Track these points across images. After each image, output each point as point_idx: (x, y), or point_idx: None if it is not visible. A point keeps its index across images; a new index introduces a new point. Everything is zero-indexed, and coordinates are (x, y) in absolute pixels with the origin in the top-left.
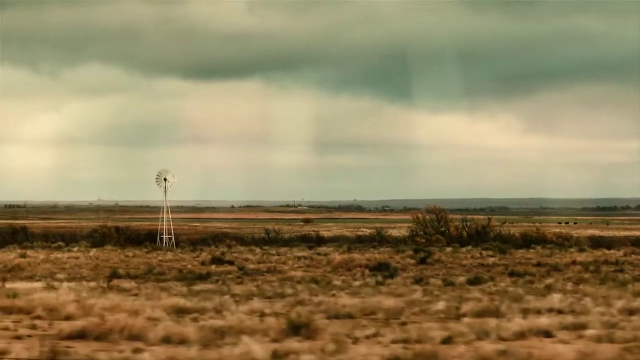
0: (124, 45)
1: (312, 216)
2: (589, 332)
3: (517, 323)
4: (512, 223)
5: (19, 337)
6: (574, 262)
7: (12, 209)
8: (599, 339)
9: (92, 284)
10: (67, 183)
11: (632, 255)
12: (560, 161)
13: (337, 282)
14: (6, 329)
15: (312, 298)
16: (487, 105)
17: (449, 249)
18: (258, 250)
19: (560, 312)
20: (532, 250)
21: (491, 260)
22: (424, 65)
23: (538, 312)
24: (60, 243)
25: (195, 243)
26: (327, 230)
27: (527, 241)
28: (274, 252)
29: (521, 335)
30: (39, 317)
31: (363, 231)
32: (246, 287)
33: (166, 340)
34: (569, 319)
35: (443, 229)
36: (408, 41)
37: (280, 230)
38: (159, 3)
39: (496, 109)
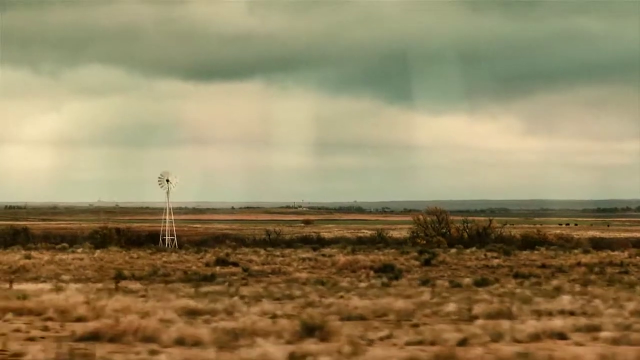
0: (124, 46)
1: (312, 217)
2: (604, 334)
3: (531, 325)
4: (513, 224)
5: (32, 339)
6: (578, 264)
7: (13, 210)
8: (614, 341)
9: (99, 285)
10: (67, 184)
11: (637, 257)
12: (560, 162)
13: (343, 284)
14: (18, 330)
15: (321, 300)
16: (487, 106)
17: (453, 251)
18: (262, 251)
19: (571, 314)
20: (536, 252)
21: (495, 261)
22: (424, 66)
23: (549, 314)
24: (65, 244)
25: (197, 244)
26: (328, 232)
27: (528, 243)
28: (278, 253)
29: (535, 337)
30: (50, 319)
31: (364, 232)
32: (253, 288)
33: (180, 342)
34: (582, 321)
35: (444, 231)
36: (408, 42)
37: (281, 231)
38: (160, 4)
39: (496, 110)
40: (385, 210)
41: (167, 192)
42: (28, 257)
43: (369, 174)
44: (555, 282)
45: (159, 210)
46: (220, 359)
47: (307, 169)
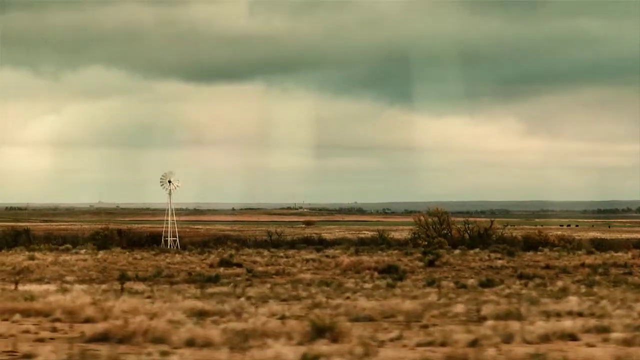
0: (125, 48)
1: (313, 219)
2: (614, 335)
3: (540, 326)
4: (514, 226)
5: (41, 340)
6: (582, 265)
7: (14, 211)
8: (626, 342)
9: (104, 286)
10: (67, 185)
11: None
12: (561, 164)
13: (348, 285)
14: (27, 331)
15: (328, 301)
16: (487, 107)
17: (457, 252)
18: (266, 252)
19: (580, 315)
20: (539, 253)
21: (499, 262)
22: (425, 68)
23: (558, 315)
24: (68, 245)
25: (198, 245)
26: (329, 233)
27: (530, 244)
28: (281, 254)
29: (546, 338)
30: (58, 320)
31: (365, 234)
32: (260, 289)
33: (190, 343)
34: (592, 322)
35: (445, 232)
36: (409, 44)
37: (283, 232)
38: (160, 5)
39: (497, 111)
40: (386, 211)
41: (170, 193)
42: (32, 258)
43: (369, 175)
44: (560, 283)
45: (159, 211)
46: None
47: (308, 170)
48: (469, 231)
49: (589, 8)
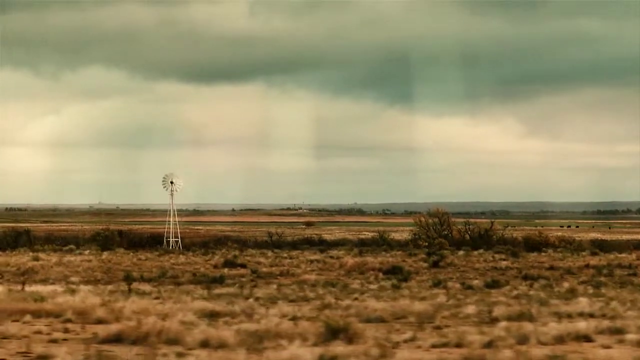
0: (125, 48)
1: (313, 219)
2: (629, 336)
3: (553, 327)
4: (514, 227)
5: (54, 341)
6: (586, 266)
7: (14, 212)
8: None
9: (110, 287)
10: (67, 186)
11: None
12: (561, 164)
13: (355, 286)
14: (39, 332)
15: (337, 302)
16: (488, 108)
17: (461, 253)
18: (270, 253)
19: (591, 316)
20: (543, 254)
21: (503, 263)
22: (426, 68)
23: (569, 316)
24: (72, 246)
25: (199, 246)
26: (329, 234)
27: (529, 245)
28: (285, 255)
29: (560, 339)
30: (69, 321)
31: (365, 234)
32: (267, 290)
33: (205, 344)
34: (605, 323)
35: (445, 233)
36: (410, 44)
37: (283, 233)
38: (161, 6)
39: (497, 112)
40: (385, 212)
41: (172, 194)
42: (36, 259)
43: (369, 175)
44: (566, 284)
45: (159, 212)
46: None
47: (308, 171)
48: (469, 232)
49: (589, 8)
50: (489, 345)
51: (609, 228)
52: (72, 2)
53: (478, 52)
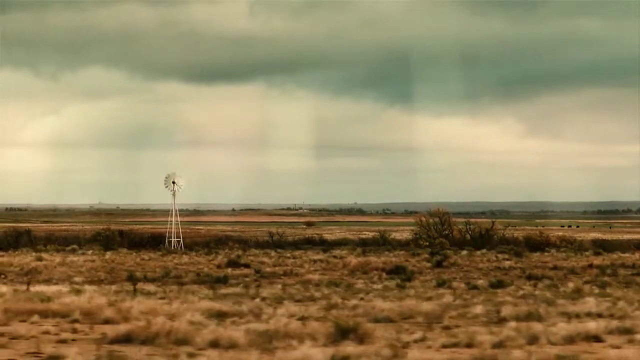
0: (125, 48)
1: (313, 219)
2: (639, 336)
3: (562, 327)
4: (515, 226)
5: (63, 341)
6: (590, 266)
7: (14, 212)
8: None
9: (114, 287)
10: (67, 186)
11: None
12: (561, 164)
13: (359, 286)
14: (47, 332)
15: (344, 302)
16: (488, 108)
17: (464, 252)
18: (273, 253)
19: (599, 316)
20: (546, 254)
21: (507, 263)
22: (426, 68)
23: (577, 316)
24: (74, 246)
25: (200, 246)
26: (330, 234)
27: (530, 245)
28: (288, 255)
29: (570, 339)
30: (76, 321)
31: (366, 234)
32: (272, 290)
33: (214, 344)
34: (614, 323)
35: (446, 232)
36: (410, 44)
37: (284, 233)
38: (161, 6)
39: (497, 112)
40: (385, 212)
41: (174, 194)
42: (39, 259)
43: (369, 175)
44: (570, 284)
45: (159, 212)
46: None
47: (308, 171)
48: (470, 232)
49: (589, 8)
50: (499, 345)
51: (610, 228)
52: (72, 2)
53: (478, 52)
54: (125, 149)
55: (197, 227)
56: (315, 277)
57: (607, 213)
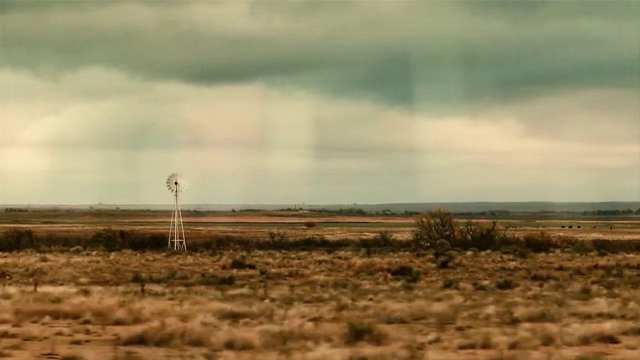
0: (125, 49)
1: (313, 220)
2: None
3: (577, 328)
4: (515, 227)
5: (77, 342)
6: (595, 266)
7: (14, 213)
8: None
9: (121, 288)
10: (67, 186)
11: None
12: (561, 165)
13: (366, 287)
14: (60, 334)
15: (354, 303)
16: (488, 108)
17: (469, 253)
18: (278, 254)
19: (611, 316)
20: (551, 254)
21: (512, 264)
22: (426, 69)
23: (588, 316)
24: (79, 247)
25: (202, 247)
26: (331, 234)
27: (532, 245)
28: (293, 256)
29: (585, 340)
30: (88, 322)
31: (366, 235)
32: (280, 291)
33: (230, 345)
34: (629, 324)
35: (448, 233)
36: (410, 44)
37: (285, 234)
38: (161, 6)
39: (497, 112)
40: (386, 212)
41: (176, 195)
42: (44, 259)
43: (369, 176)
44: (577, 285)
45: (160, 213)
46: None
47: (308, 172)
48: (471, 232)
49: (589, 8)
50: (514, 346)
51: (611, 228)
52: (72, 2)
53: (478, 52)
54: (125, 150)
55: (197, 228)
56: (321, 278)
57: (608, 213)
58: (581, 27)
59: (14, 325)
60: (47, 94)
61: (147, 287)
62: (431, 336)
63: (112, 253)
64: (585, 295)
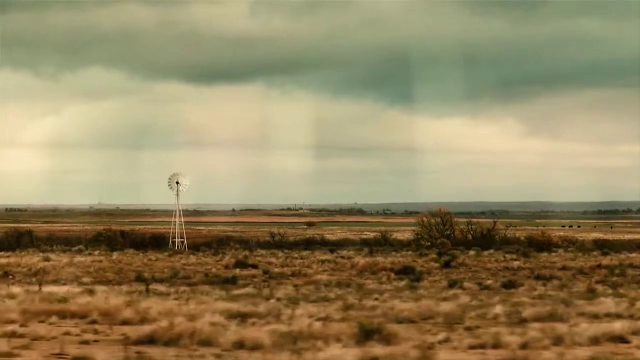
0: (125, 49)
1: (313, 219)
2: None
3: (586, 328)
4: (516, 227)
5: (86, 342)
6: (598, 266)
7: (14, 213)
8: None
9: (123, 287)
10: (67, 186)
11: None
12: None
13: (370, 286)
14: (68, 333)
15: (360, 302)
16: (488, 108)
17: (472, 253)
18: (280, 253)
19: (618, 316)
20: (554, 254)
21: (515, 264)
22: (426, 69)
23: (595, 316)
24: (81, 246)
25: (203, 246)
26: (331, 234)
27: (533, 245)
28: (296, 255)
29: (595, 340)
30: (95, 322)
31: (367, 234)
32: (285, 290)
33: (239, 345)
34: (639, 324)
35: (448, 233)
36: (410, 44)
37: (285, 233)
38: (161, 6)
39: (498, 112)
40: (386, 212)
41: (177, 194)
42: (47, 259)
43: (369, 176)
44: (580, 284)
45: (159, 213)
46: None
47: (308, 171)
48: (471, 232)
49: (589, 8)
50: (525, 346)
51: (611, 228)
52: (72, 2)
53: (478, 52)
54: (125, 149)
55: (197, 228)
56: (324, 277)
57: (608, 213)
58: (581, 27)
59: (21, 325)
60: (47, 94)
61: (151, 286)
62: (440, 336)
63: (115, 253)
64: (591, 295)
